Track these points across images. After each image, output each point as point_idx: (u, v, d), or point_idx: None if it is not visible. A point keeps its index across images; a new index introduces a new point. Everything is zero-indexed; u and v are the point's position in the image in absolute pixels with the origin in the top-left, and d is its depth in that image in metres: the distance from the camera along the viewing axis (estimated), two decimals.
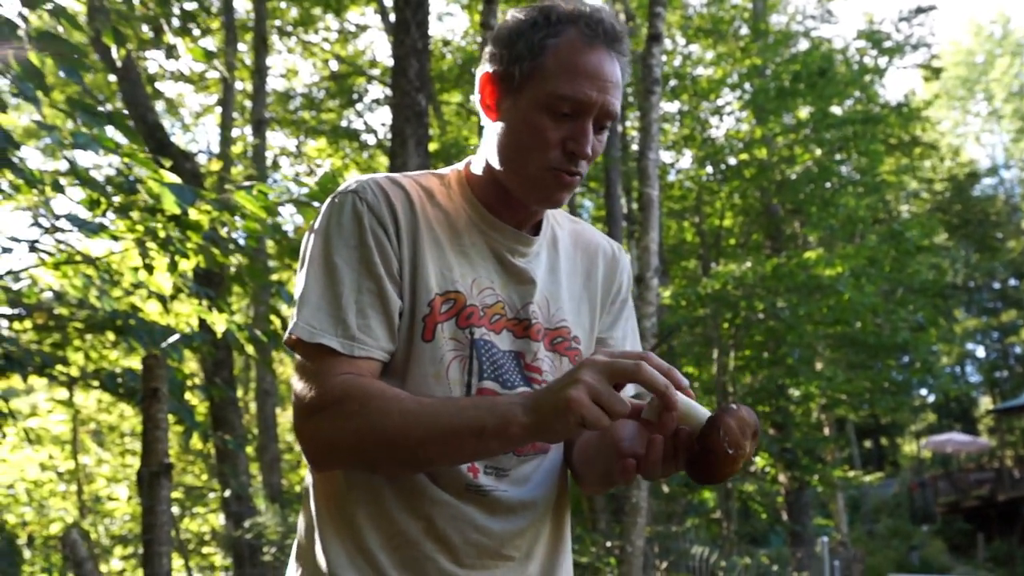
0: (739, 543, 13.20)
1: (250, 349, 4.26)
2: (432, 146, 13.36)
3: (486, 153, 1.35)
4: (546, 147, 1.26)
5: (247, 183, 3.40)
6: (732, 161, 14.63)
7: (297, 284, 1.29)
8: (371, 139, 16.72)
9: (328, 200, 1.32)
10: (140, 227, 3.82)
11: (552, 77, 1.24)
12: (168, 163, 3.43)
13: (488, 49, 1.32)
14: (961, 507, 24.38)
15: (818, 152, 15.02)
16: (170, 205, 3.30)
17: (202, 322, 4.89)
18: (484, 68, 1.32)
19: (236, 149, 13.86)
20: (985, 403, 35.64)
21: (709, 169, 15.89)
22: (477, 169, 1.38)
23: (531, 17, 1.28)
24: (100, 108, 3.29)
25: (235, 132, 14.52)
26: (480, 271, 1.33)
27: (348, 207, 1.28)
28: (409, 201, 1.31)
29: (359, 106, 16.79)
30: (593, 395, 1.05)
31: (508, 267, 1.35)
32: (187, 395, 5.71)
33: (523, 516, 1.34)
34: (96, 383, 5.18)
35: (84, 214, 3.68)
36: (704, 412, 1.10)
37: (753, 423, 1.12)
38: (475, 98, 1.35)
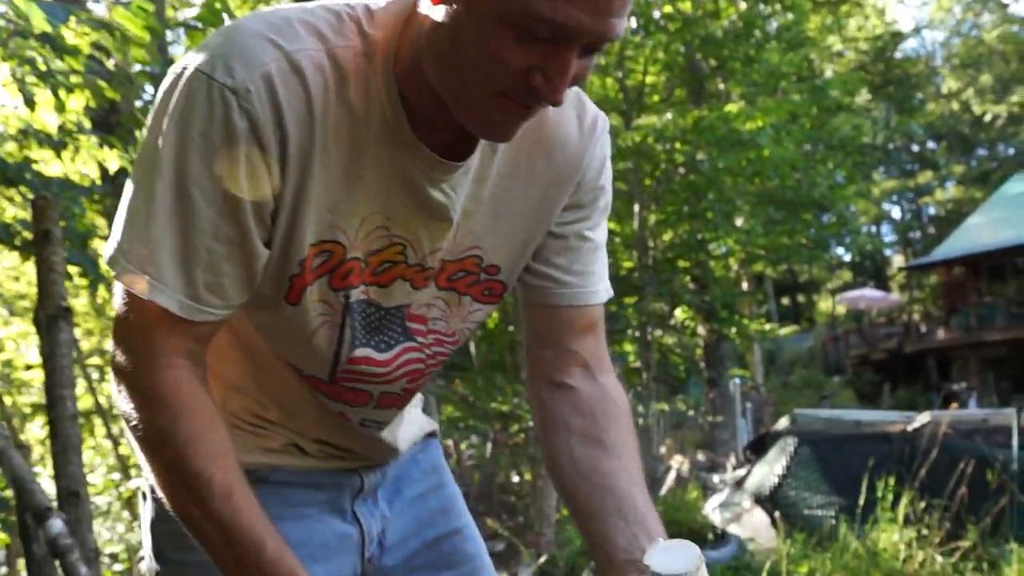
0: (658, 391, 13.65)
1: None
2: None
3: (421, 38, 0.93)
4: (501, 73, 0.86)
5: None
6: (656, 14, 14.33)
7: (131, 194, 0.94)
8: None
9: (188, 76, 0.91)
10: (13, 59, 3.57)
11: None
12: None
13: None
14: (870, 359, 25.64)
15: (743, 5, 14.80)
16: (39, 22, 3.05)
17: (105, 175, 4.66)
18: None
19: None
20: (898, 261, 37.00)
21: (632, 22, 15.59)
22: (415, 35, 0.94)
23: None
24: None
25: None
26: (376, 204, 1.00)
27: (220, 111, 0.89)
28: (308, 105, 0.92)
29: None
30: None
31: (420, 198, 1.01)
32: (91, 246, 5.51)
33: (380, 429, 1.22)
34: None
35: None
36: None
37: None
38: None
